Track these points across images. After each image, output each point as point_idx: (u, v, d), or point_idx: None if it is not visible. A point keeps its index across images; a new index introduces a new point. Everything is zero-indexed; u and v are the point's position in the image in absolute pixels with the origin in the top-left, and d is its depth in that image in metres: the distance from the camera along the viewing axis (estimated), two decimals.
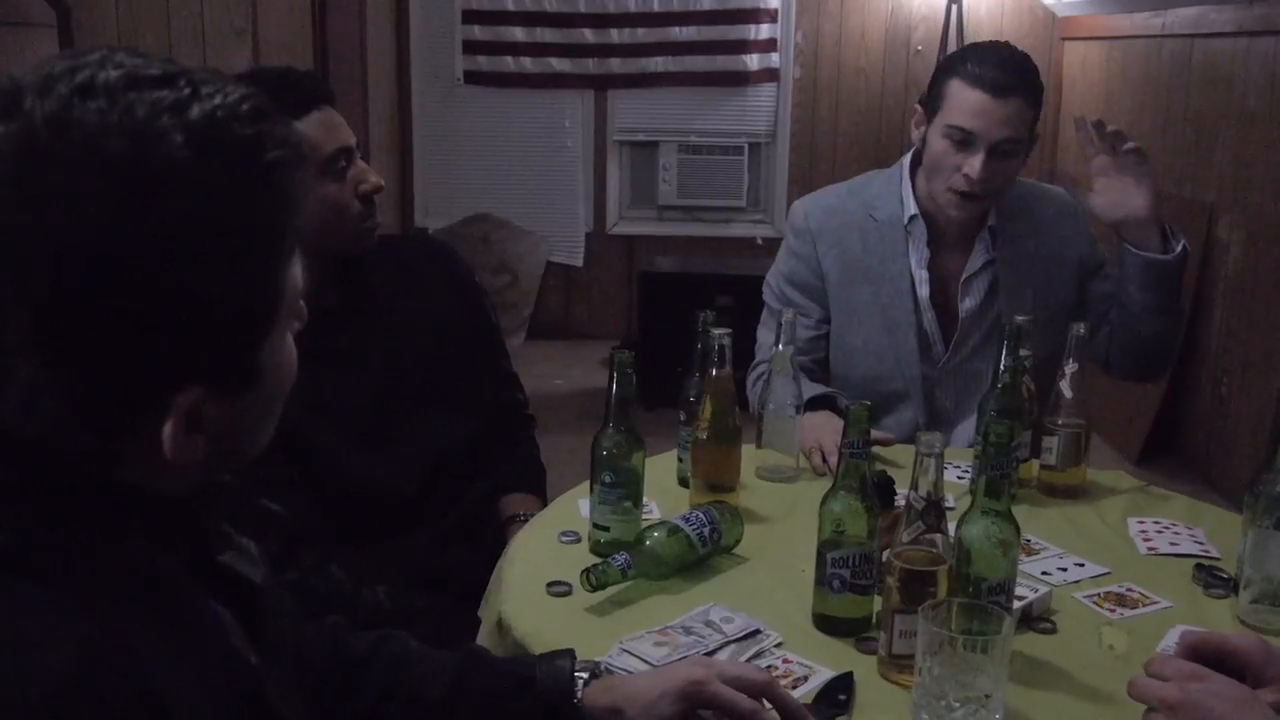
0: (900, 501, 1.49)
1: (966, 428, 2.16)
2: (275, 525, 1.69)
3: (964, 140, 2.03)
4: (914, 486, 1.29)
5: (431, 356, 1.93)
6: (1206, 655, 1.02)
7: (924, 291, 2.18)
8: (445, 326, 1.97)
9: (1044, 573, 1.56)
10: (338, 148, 1.79)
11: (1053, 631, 1.42)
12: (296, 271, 0.85)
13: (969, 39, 4.74)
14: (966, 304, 2.19)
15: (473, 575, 1.73)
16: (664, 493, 1.78)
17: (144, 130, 0.74)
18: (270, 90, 1.83)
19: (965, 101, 2.03)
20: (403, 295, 1.93)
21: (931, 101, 2.11)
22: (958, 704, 1.15)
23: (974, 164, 2.02)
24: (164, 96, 0.76)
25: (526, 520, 1.86)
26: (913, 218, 2.17)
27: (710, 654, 1.32)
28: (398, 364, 1.89)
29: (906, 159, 2.22)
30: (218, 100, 0.77)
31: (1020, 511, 1.50)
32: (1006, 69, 2.03)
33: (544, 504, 1.98)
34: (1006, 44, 2.14)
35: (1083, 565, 1.60)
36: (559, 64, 5.57)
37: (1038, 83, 2.08)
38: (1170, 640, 1.40)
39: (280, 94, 1.71)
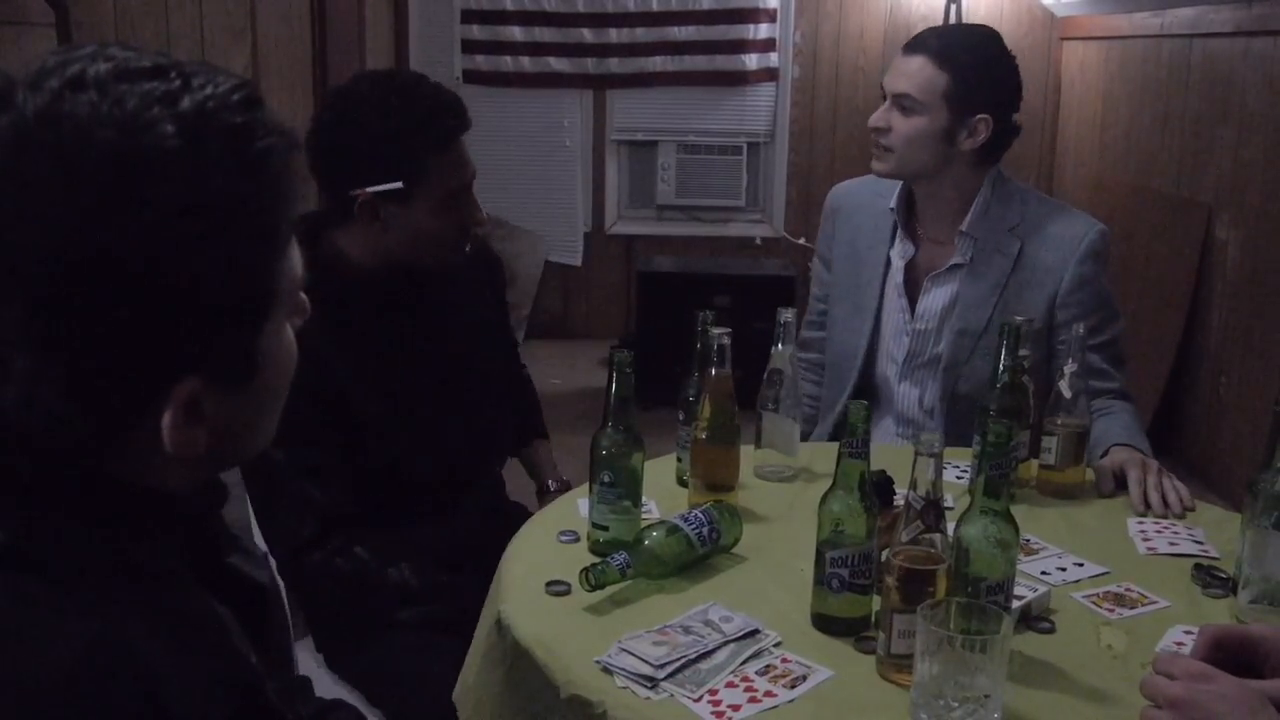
0: (899, 501, 1.49)
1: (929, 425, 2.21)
2: (313, 509, 1.73)
3: (883, 97, 2.17)
4: (913, 486, 1.29)
5: (478, 350, 2.01)
6: (1228, 646, 1.02)
7: (897, 279, 2.23)
8: (488, 321, 2.06)
9: (1043, 572, 1.56)
10: (462, 184, 1.84)
11: (1051, 631, 1.42)
12: (294, 262, 0.85)
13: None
14: (926, 302, 2.21)
15: (491, 556, 1.76)
16: (663, 492, 1.78)
17: (134, 120, 0.74)
18: (420, 116, 1.89)
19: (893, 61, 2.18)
20: (456, 292, 1.99)
21: None
22: (956, 704, 1.15)
23: (876, 112, 2.16)
24: (154, 88, 0.76)
25: (557, 493, 2.06)
26: (894, 208, 2.23)
27: (710, 653, 1.32)
28: (452, 357, 1.96)
29: None
30: (208, 90, 0.78)
31: (1019, 511, 1.50)
32: (927, 33, 2.19)
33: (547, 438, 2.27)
34: (962, 23, 2.30)
35: (1082, 565, 1.60)
36: (558, 63, 5.57)
37: (959, 51, 2.11)
38: (1169, 640, 1.40)
39: (428, 123, 1.76)
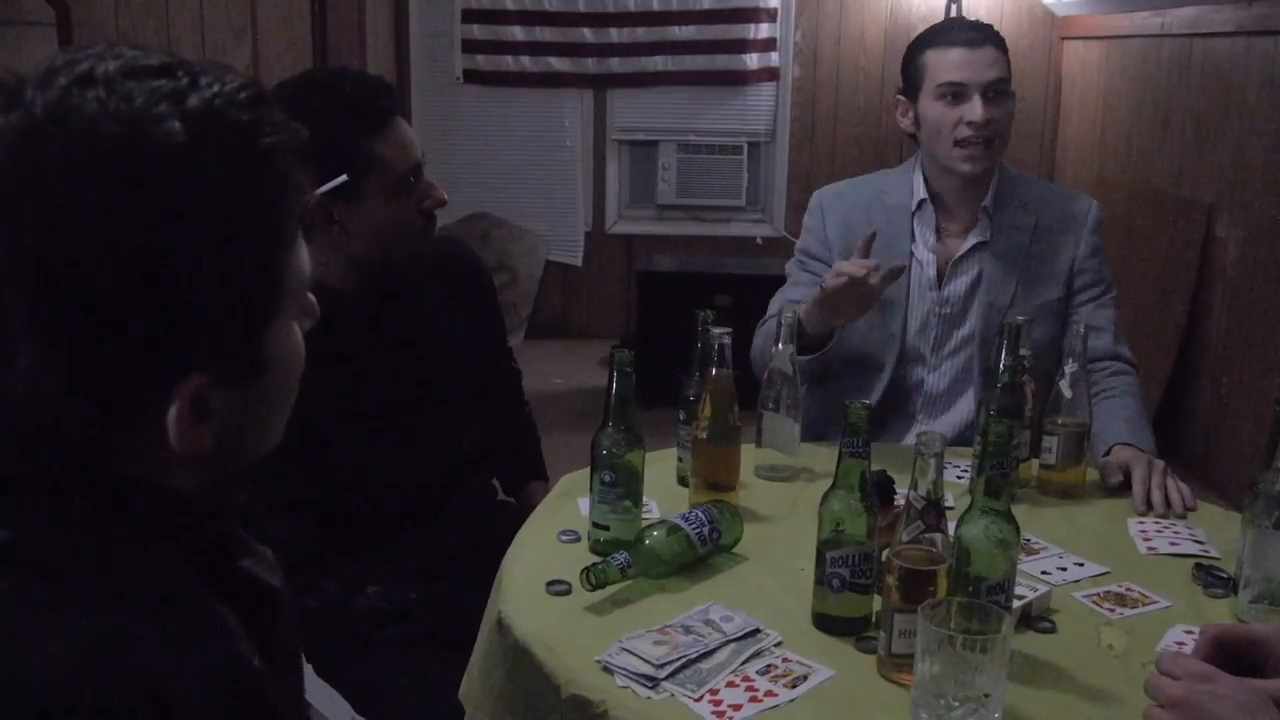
0: (900, 501, 1.49)
1: (954, 416, 2.22)
2: (279, 550, 1.70)
3: (957, 93, 2.15)
4: (914, 486, 1.29)
5: (456, 361, 1.94)
6: (1230, 645, 1.02)
7: (930, 273, 2.23)
8: (469, 332, 1.99)
9: (1044, 572, 1.56)
10: (410, 166, 1.77)
11: (1052, 631, 1.42)
12: (302, 261, 0.85)
13: None
14: (952, 286, 2.22)
15: (474, 562, 1.75)
16: (663, 492, 1.78)
17: (141, 116, 0.75)
18: (348, 105, 1.83)
19: (946, 61, 2.17)
20: (433, 301, 1.94)
21: (910, 84, 2.23)
22: (957, 703, 1.15)
23: (974, 108, 2.13)
24: (162, 85, 0.76)
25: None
26: (921, 202, 2.23)
27: (710, 653, 1.32)
28: (426, 369, 1.90)
29: (920, 152, 2.28)
30: (215, 88, 0.78)
31: (1020, 511, 1.50)
32: (971, 27, 2.23)
33: (545, 480, 2.18)
34: (959, 17, 2.34)
35: (1082, 565, 1.60)
36: (558, 63, 5.57)
37: (1001, 37, 2.22)
38: (1170, 640, 1.40)
39: (358, 109, 1.72)
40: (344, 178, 1.69)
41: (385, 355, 1.87)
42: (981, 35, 2.18)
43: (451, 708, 1.52)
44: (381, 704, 1.71)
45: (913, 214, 2.23)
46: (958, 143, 2.15)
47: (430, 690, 1.64)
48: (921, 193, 2.23)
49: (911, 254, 2.23)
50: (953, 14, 5.05)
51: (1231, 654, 1.02)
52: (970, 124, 2.13)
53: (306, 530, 1.74)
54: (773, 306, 2.26)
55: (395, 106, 1.78)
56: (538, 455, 2.25)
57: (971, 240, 2.22)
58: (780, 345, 1.87)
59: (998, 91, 2.15)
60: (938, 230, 2.24)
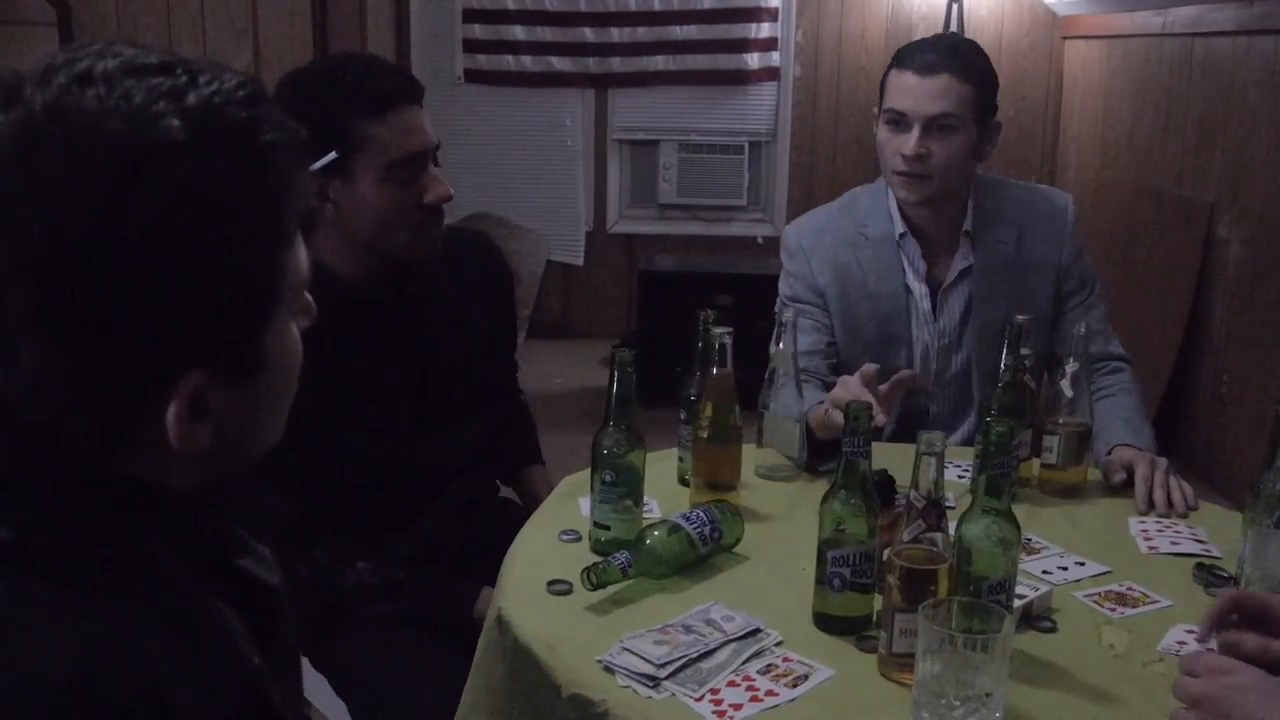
0: (901, 500, 1.49)
1: (961, 428, 2.21)
2: (273, 520, 1.70)
3: (899, 121, 2.08)
4: (914, 485, 1.29)
5: (469, 355, 1.95)
6: (1248, 611, 1.02)
7: (925, 305, 2.18)
8: (483, 327, 2.00)
9: (1044, 572, 1.56)
10: (406, 154, 1.76)
11: (1053, 630, 1.42)
12: (300, 260, 0.85)
13: (969, 37, 4.73)
14: (946, 317, 2.19)
15: (469, 553, 1.77)
16: (664, 492, 1.78)
17: (141, 113, 0.75)
18: (347, 86, 1.84)
19: (898, 85, 2.09)
20: (449, 293, 1.94)
21: (880, 101, 2.16)
22: (958, 703, 1.15)
23: (908, 141, 2.06)
24: (161, 83, 0.77)
25: None
26: (903, 234, 2.17)
27: (711, 652, 1.32)
28: (437, 361, 1.90)
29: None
30: (214, 86, 0.78)
31: (1021, 511, 1.50)
32: (932, 51, 2.11)
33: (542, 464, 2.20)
34: (945, 34, 2.24)
35: (1083, 564, 1.60)
36: (559, 63, 5.56)
37: (973, 62, 2.11)
38: (1171, 639, 1.40)
39: (356, 91, 1.73)
40: (333, 154, 1.70)
41: (395, 348, 1.87)
42: (939, 62, 2.06)
43: (429, 687, 1.52)
44: (359, 682, 1.72)
45: (897, 244, 2.17)
46: (894, 170, 2.09)
47: (408, 670, 1.65)
48: (901, 225, 2.17)
49: (906, 288, 2.18)
50: (954, 15, 5.06)
51: (1249, 619, 1.02)
52: (903, 156, 2.06)
53: (303, 504, 1.75)
54: (780, 344, 2.06)
55: (402, 93, 1.77)
56: (533, 440, 2.25)
57: (957, 266, 2.17)
58: (780, 345, 1.87)
59: (942, 126, 2.05)
60: (925, 256, 2.18)
